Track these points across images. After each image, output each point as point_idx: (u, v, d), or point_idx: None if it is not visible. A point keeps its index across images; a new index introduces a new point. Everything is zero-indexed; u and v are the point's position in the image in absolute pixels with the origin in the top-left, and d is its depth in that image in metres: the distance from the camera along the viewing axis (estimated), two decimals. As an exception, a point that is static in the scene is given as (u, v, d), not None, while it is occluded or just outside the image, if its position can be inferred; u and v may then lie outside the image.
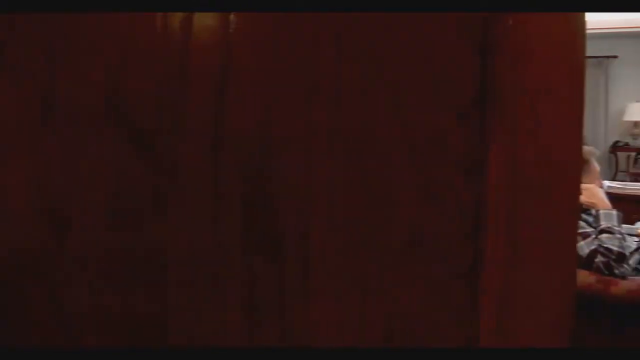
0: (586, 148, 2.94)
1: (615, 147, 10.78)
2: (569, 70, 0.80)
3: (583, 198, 2.69)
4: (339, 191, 0.73)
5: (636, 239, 2.99)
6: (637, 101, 10.50)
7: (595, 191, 2.70)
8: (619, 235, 2.49)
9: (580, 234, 2.52)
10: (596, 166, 2.87)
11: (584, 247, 2.48)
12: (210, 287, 0.81)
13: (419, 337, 0.73)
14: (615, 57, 10.95)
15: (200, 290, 0.82)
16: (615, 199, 4.75)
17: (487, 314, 0.71)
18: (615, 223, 2.56)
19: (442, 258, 0.71)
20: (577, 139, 0.83)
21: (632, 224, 4.14)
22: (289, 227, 0.76)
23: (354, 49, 0.72)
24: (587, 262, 2.46)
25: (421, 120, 0.70)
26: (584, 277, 2.42)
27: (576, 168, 0.84)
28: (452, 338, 0.72)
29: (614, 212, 2.61)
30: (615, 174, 10.60)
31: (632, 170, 10.07)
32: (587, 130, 10.97)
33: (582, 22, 0.80)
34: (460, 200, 0.69)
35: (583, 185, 2.71)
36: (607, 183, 5.34)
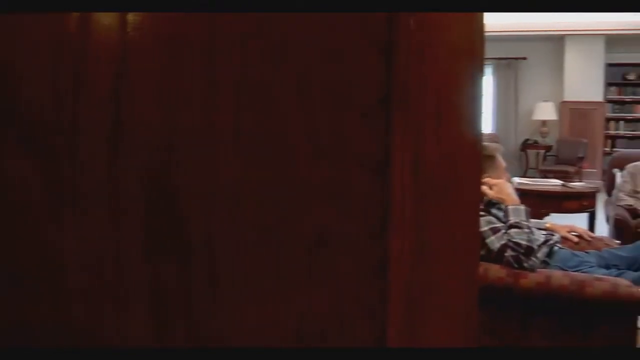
0: (492, 145, 3.03)
1: (526, 145, 11.17)
2: (469, 69, 0.82)
3: (493, 194, 2.77)
4: (244, 192, 0.73)
5: (544, 232, 3.11)
6: (545, 101, 10.91)
7: (504, 187, 2.78)
8: (527, 230, 2.57)
9: (491, 229, 2.60)
10: (502, 162, 2.95)
11: (495, 241, 2.55)
12: (112, 294, 0.79)
13: (331, 336, 0.73)
14: (524, 58, 11.36)
15: (102, 298, 0.79)
16: (526, 194, 4.94)
17: (395, 312, 0.72)
18: (524, 218, 2.64)
19: (349, 257, 0.71)
20: (477, 138, 0.85)
21: (541, 218, 4.30)
22: (194, 230, 0.75)
23: (257, 48, 0.71)
24: (498, 257, 2.53)
25: (326, 120, 0.70)
26: (495, 271, 2.49)
27: (476, 167, 0.86)
28: (363, 336, 0.72)
29: (522, 207, 2.69)
30: (526, 170, 10.98)
31: (541, 167, 10.46)
32: (499, 129, 11.35)
33: (481, 23, 0.82)
34: (366, 200, 0.70)
35: (492, 181, 2.79)
36: (517, 179, 5.54)
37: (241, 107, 0.72)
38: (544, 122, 11.00)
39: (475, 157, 0.86)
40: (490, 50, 10.86)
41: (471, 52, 0.82)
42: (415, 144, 0.71)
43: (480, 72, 0.84)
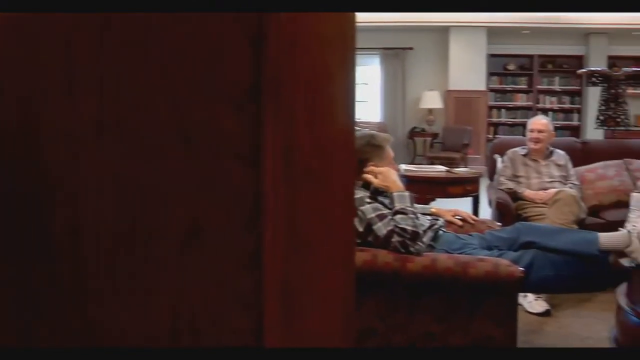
0: (381, 135, 3.08)
1: (413, 133, 11.47)
2: (341, 60, 0.83)
3: (378, 182, 2.82)
4: (111, 185, 0.71)
5: (429, 217, 3.20)
6: (431, 90, 11.23)
7: (389, 174, 2.83)
8: (412, 215, 2.64)
9: (378, 215, 2.65)
10: (390, 152, 3.01)
11: (382, 228, 2.61)
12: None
13: (205, 329, 0.73)
14: (410, 48, 11.63)
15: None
16: (412, 181, 5.07)
17: (271, 302, 0.72)
18: (409, 204, 2.70)
19: (223, 249, 0.71)
20: (350, 127, 0.86)
21: (427, 203, 4.43)
22: (59, 224, 0.72)
23: (120, 39, 0.69)
24: (385, 242, 2.58)
25: (196, 111, 0.69)
26: (383, 256, 2.54)
27: (350, 155, 0.88)
28: (239, 328, 0.72)
29: (407, 193, 2.76)
30: (414, 158, 11.28)
31: (428, 154, 10.76)
32: (387, 118, 11.59)
33: (353, 15, 0.83)
34: (238, 191, 0.70)
35: (377, 169, 2.84)
36: (403, 166, 5.67)
37: (105, 100, 0.70)
38: (430, 111, 11.34)
39: (349, 146, 0.87)
40: (377, 41, 11.08)
41: (343, 43, 0.83)
42: (287, 133, 0.71)
43: (352, 62, 0.85)
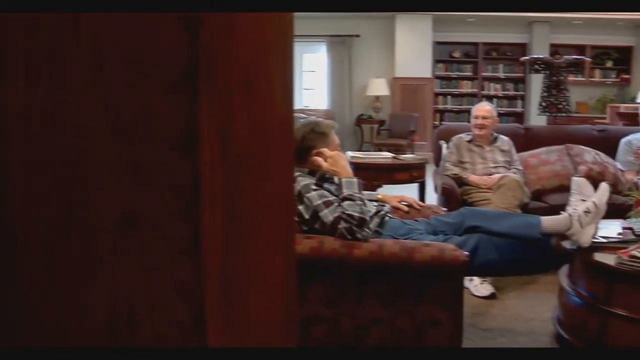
0: (325, 121, 3.07)
1: (360, 120, 11.51)
2: (280, 44, 0.82)
3: (327, 166, 2.81)
4: (42, 174, 0.68)
5: (375, 203, 3.21)
6: (378, 77, 11.28)
7: (339, 159, 2.82)
8: (359, 202, 2.64)
9: (324, 202, 2.64)
10: (335, 139, 3.00)
11: (328, 214, 2.60)
12: None
13: (145, 317, 0.72)
14: (357, 36, 11.65)
15: None
16: (359, 167, 5.07)
17: (212, 288, 0.72)
18: (356, 190, 2.70)
19: (161, 236, 0.70)
20: (288, 111, 0.85)
21: (374, 190, 4.45)
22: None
23: (48, 22, 0.66)
24: (332, 229, 2.58)
25: (127, 97, 0.67)
26: (330, 243, 2.54)
27: (288, 139, 0.87)
28: (180, 315, 0.71)
29: (355, 179, 2.75)
30: (361, 145, 11.33)
31: (375, 141, 10.82)
32: (334, 105, 11.59)
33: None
34: (175, 177, 0.69)
35: (329, 153, 2.83)
36: (350, 153, 5.68)
37: (32, 86, 0.67)
38: (377, 98, 11.39)
39: (288, 130, 0.86)
40: (324, 28, 11.06)
41: (281, 27, 0.82)
42: (223, 118, 0.70)
43: (290, 47, 0.84)
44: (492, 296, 3.95)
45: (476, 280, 4.02)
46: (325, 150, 2.84)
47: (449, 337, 2.60)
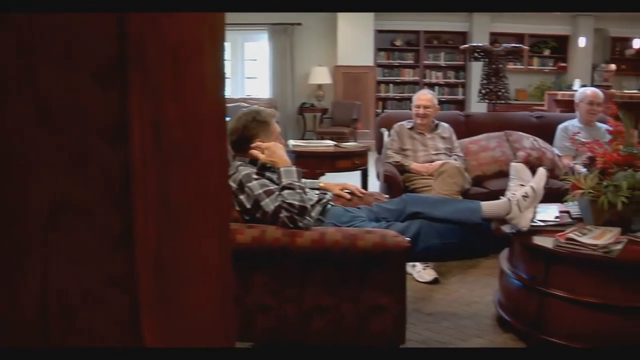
0: (266, 110, 3.05)
1: (303, 109, 11.49)
2: (210, 30, 0.80)
3: (264, 157, 2.79)
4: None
5: (317, 191, 3.21)
6: (320, 65, 11.27)
7: (276, 149, 2.81)
8: (299, 190, 2.63)
9: (265, 191, 2.63)
10: (277, 127, 2.99)
11: (269, 204, 2.59)
12: None
13: (80, 310, 0.70)
14: (299, 24, 11.61)
15: None
16: (301, 156, 5.08)
17: (146, 280, 0.71)
18: (296, 179, 2.69)
19: (92, 228, 0.69)
20: (220, 98, 0.84)
21: (317, 178, 4.45)
22: None
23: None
24: (274, 218, 2.57)
25: (56, 88, 0.66)
26: (272, 232, 2.53)
27: (221, 127, 0.85)
28: (113, 307, 0.71)
29: (294, 168, 2.75)
30: (304, 133, 11.33)
31: (318, 129, 10.83)
32: (277, 94, 11.55)
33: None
34: (106, 167, 0.67)
35: (264, 145, 2.81)
36: (292, 142, 5.66)
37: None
38: (319, 86, 11.39)
39: (219, 117, 0.85)
40: (265, 16, 10.99)
41: (212, 17, 0.81)
42: (154, 108, 0.69)
43: (221, 35, 0.83)
44: (435, 281, 4.00)
45: (419, 266, 4.06)
46: (260, 143, 2.83)
47: (393, 322, 2.62)
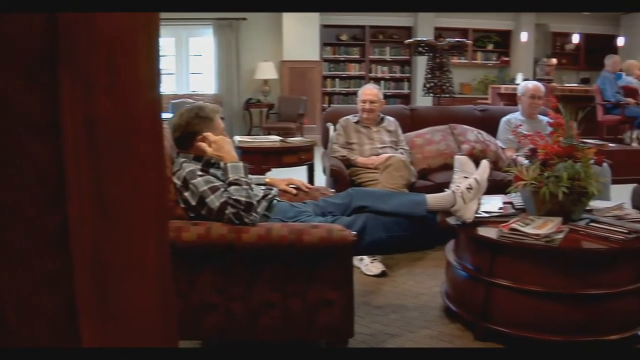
0: (209, 106, 3.02)
1: (249, 104, 11.43)
2: (144, 24, 0.79)
3: (211, 151, 2.76)
4: None
5: (263, 187, 3.19)
6: (266, 61, 11.23)
7: (223, 144, 2.78)
8: (246, 186, 2.61)
9: (210, 188, 2.60)
10: (220, 123, 2.96)
11: (215, 200, 2.56)
12: None
13: (14, 313, 0.69)
14: (244, 19, 11.53)
15: None
16: (247, 152, 5.05)
17: (82, 279, 0.70)
18: (242, 174, 2.67)
19: (26, 227, 0.67)
20: (156, 93, 0.82)
21: (263, 174, 4.43)
22: None
23: None
24: (219, 215, 2.55)
25: None
26: (217, 228, 2.51)
27: (156, 122, 0.84)
28: (49, 309, 0.69)
29: (241, 164, 2.72)
30: (251, 129, 11.27)
31: (265, 125, 10.78)
32: (222, 90, 11.46)
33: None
34: (39, 165, 0.66)
35: (213, 138, 2.78)
36: (237, 138, 5.62)
37: None
38: (265, 81, 11.35)
39: (155, 112, 0.83)
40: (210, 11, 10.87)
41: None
42: (87, 104, 0.68)
43: (156, 29, 0.81)
44: (382, 274, 4.02)
45: (366, 259, 4.08)
46: (209, 135, 2.79)
47: (341, 316, 2.62)
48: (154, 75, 0.82)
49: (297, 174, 4.42)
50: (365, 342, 3.03)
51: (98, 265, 0.72)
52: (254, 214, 2.58)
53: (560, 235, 2.91)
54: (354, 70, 12.98)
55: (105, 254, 0.73)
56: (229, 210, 2.53)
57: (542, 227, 2.95)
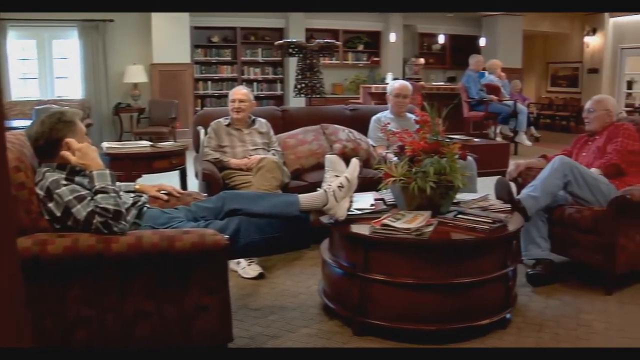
0: (70, 110, 2.90)
1: (119, 109, 11.09)
2: None
3: (76, 159, 2.64)
4: None
5: (132, 194, 3.10)
6: (135, 64, 10.93)
7: (88, 151, 2.67)
8: (114, 194, 2.53)
9: (76, 197, 2.50)
10: (82, 127, 2.84)
11: (81, 210, 2.47)
12: None
13: None
14: (111, 20, 11.17)
15: None
16: (116, 158, 4.90)
17: None
18: (109, 182, 2.59)
19: None
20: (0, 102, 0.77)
21: (134, 180, 4.30)
22: None
23: None
24: (87, 225, 2.46)
25: None
26: (85, 239, 2.42)
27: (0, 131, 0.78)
28: None
29: (107, 171, 2.63)
30: (121, 134, 10.95)
31: (135, 129, 10.51)
32: (90, 94, 11.06)
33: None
34: None
35: (76, 145, 2.66)
36: (105, 144, 5.45)
37: None
38: (135, 85, 11.05)
39: None
40: (74, 12, 10.44)
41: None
42: None
43: None
44: (260, 276, 4.02)
45: (243, 262, 4.06)
46: (72, 142, 2.67)
47: (218, 321, 2.60)
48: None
49: (169, 180, 4.34)
50: (245, 346, 3.01)
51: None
52: (123, 223, 2.50)
53: (430, 228, 3.02)
54: (226, 72, 12.90)
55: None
56: (97, 219, 2.44)
57: (412, 222, 3.05)
